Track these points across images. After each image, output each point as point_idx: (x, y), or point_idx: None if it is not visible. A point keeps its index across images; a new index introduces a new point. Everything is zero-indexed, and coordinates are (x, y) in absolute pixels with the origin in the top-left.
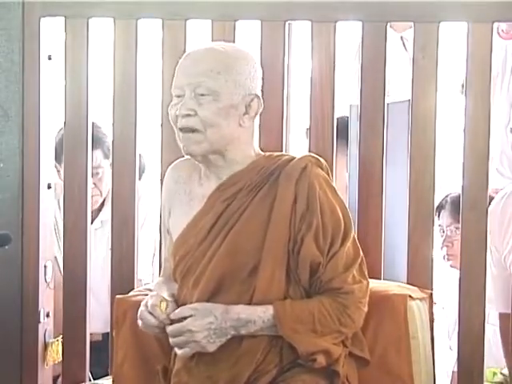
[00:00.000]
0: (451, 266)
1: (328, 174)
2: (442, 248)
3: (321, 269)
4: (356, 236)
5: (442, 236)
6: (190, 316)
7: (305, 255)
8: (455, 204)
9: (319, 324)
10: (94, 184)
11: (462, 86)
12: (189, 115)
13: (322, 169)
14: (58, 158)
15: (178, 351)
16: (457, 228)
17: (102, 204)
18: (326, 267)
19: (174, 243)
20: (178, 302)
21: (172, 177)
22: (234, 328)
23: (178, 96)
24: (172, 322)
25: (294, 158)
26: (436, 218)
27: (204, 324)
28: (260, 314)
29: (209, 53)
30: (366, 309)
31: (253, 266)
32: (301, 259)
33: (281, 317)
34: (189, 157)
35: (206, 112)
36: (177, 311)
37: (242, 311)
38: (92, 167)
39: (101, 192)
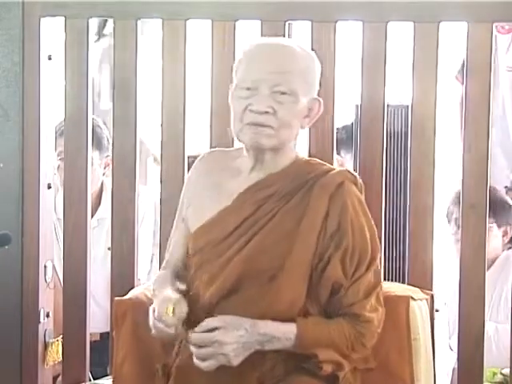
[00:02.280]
0: None
1: (361, 192)
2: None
3: (342, 291)
4: None
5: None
6: (219, 328)
7: (329, 275)
8: None
9: (335, 347)
10: None
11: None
12: (267, 113)
13: (356, 186)
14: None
15: (201, 364)
16: None
17: (99, 202)
18: (348, 290)
19: (194, 232)
20: (189, 291)
21: (199, 169)
22: (258, 342)
23: (248, 89)
24: (188, 325)
25: (332, 169)
26: (456, 210)
27: (236, 336)
28: (284, 331)
29: (286, 50)
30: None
31: (272, 274)
32: (324, 278)
33: (303, 338)
34: (221, 149)
35: (285, 112)
36: (204, 323)
37: (266, 326)
38: None
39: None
